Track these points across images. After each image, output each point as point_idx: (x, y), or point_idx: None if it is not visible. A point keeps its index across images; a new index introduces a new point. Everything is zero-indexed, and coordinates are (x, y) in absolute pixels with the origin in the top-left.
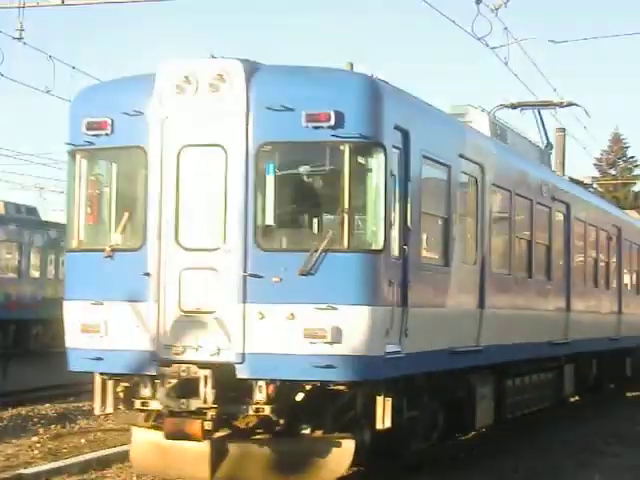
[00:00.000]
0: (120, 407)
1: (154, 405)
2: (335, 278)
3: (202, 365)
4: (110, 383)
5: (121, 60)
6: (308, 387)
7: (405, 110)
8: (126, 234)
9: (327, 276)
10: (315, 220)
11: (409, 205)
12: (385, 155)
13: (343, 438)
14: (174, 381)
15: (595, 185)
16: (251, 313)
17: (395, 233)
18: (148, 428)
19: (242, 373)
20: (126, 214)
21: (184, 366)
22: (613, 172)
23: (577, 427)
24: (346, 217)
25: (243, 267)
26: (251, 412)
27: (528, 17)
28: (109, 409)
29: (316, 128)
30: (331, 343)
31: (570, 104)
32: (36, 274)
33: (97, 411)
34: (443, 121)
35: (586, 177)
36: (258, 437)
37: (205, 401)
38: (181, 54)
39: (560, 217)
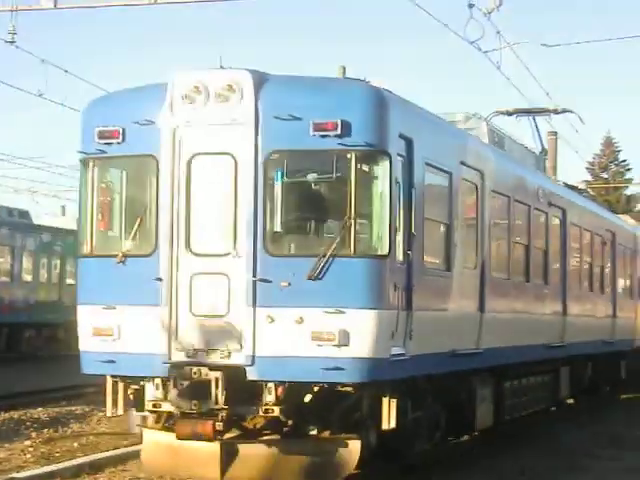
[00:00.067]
0: (131, 409)
1: (165, 407)
2: (342, 283)
3: (213, 367)
4: (121, 385)
5: (113, 62)
6: (316, 389)
7: (409, 119)
8: (138, 240)
9: (335, 281)
10: (322, 226)
11: (413, 211)
12: (390, 163)
13: (349, 438)
14: (186, 383)
15: (586, 188)
16: (261, 317)
17: (400, 239)
18: (159, 429)
19: (252, 375)
20: (138, 221)
21: (195, 368)
22: (605, 176)
23: (572, 430)
24: (352, 223)
25: (253, 272)
26: (261, 413)
27: (521, 21)
28: (120, 411)
29: (323, 137)
30: (339, 346)
31: (565, 111)
32: (28, 278)
33: (108, 413)
34: (445, 129)
35: (579, 182)
36: (267, 438)
37: (216, 402)
38: (170, 55)
39: (556, 222)
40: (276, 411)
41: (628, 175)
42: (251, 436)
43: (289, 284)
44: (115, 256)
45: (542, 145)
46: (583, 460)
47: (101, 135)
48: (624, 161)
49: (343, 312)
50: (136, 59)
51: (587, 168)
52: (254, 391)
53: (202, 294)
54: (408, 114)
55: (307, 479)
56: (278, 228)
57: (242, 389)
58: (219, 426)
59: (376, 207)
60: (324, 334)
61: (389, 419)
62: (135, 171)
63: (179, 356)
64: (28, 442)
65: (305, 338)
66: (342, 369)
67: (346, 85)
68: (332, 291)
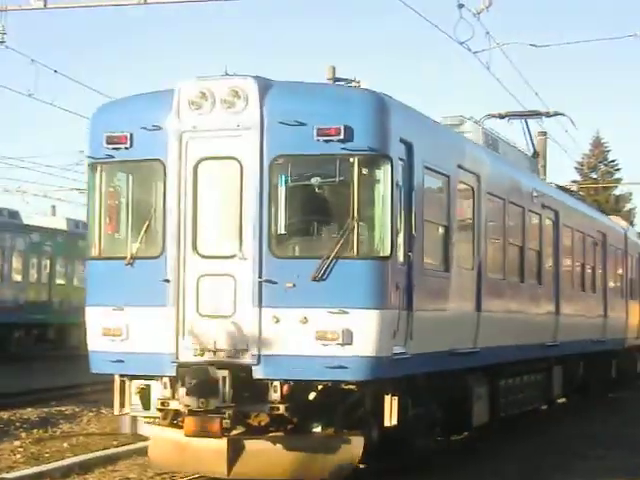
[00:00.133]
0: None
1: (173, 405)
2: (346, 283)
3: (220, 366)
4: (129, 384)
5: (105, 62)
6: (320, 387)
7: (409, 124)
8: (146, 243)
9: (338, 282)
10: (326, 228)
11: (413, 214)
12: (391, 167)
13: (353, 435)
14: (194, 382)
15: (578, 190)
16: (266, 317)
17: (400, 240)
18: (165, 427)
19: (258, 374)
20: (145, 224)
21: (203, 367)
22: (594, 176)
23: (563, 429)
24: (355, 225)
25: (258, 273)
26: (266, 411)
27: (510, 22)
28: (127, 410)
29: (327, 142)
30: (342, 345)
31: (557, 114)
32: (18, 278)
33: (116, 412)
34: (443, 133)
35: (569, 184)
36: (272, 434)
37: (224, 400)
38: (164, 54)
39: (549, 224)
40: (281, 409)
41: (617, 175)
42: (256, 433)
43: (294, 285)
44: (123, 258)
45: (534, 147)
46: (571, 460)
47: (109, 140)
48: (613, 161)
49: (347, 312)
50: (129, 59)
51: (576, 168)
52: (260, 389)
53: (209, 295)
54: (408, 119)
55: (312, 475)
56: (283, 230)
57: (248, 387)
58: (226, 423)
59: (378, 210)
60: (328, 333)
61: (391, 416)
62: (142, 175)
63: (187, 355)
64: (17, 442)
65: (309, 337)
66: (346, 367)
67: (349, 92)
68: (336, 292)
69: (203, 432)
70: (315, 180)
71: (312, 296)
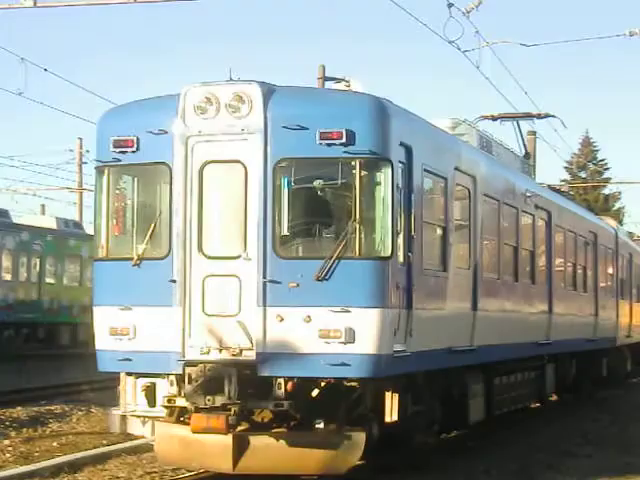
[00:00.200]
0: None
1: (180, 402)
2: (348, 283)
3: (226, 364)
4: (136, 382)
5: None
6: (323, 384)
7: (408, 127)
8: (152, 244)
9: (341, 281)
10: (328, 230)
11: (412, 215)
12: (392, 170)
13: (354, 431)
14: (200, 379)
15: (565, 188)
16: (270, 316)
17: (400, 241)
18: (171, 423)
19: (263, 371)
20: (152, 226)
21: (209, 365)
22: (583, 175)
23: (554, 426)
24: (357, 227)
25: (263, 273)
26: (271, 407)
27: (500, 21)
28: (133, 407)
29: (329, 145)
30: (345, 343)
31: (548, 115)
32: (7, 277)
33: (122, 409)
34: (440, 137)
35: (559, 183)
36: (276, 430)
37: (229, 397)
38: (158, 55)
39: (542, 224)
40: (286, 405)
41: (606, 174)
42: (260, 429)
43: (297, 285)
44: (130, 259)
45: (526, 149)
46: (560, 458)
47: (116, 144)
48: (602, 160)
49: (349, 311)
50: (120, 58)
51: (565, 167)
52: (265, 386)
53: (214, 295)
54: (407, 123)
55: (315, 470)
56: (286, 232)
57: (253, 384)
58: (232, 420)
59: (379, 211)
60: (331, 332)
61: (391, 412)
62: (149, 178)
63: (193, 354)
64: (7, 442)
65: (313, 336)
66: (348, 365)
67: (350, 96)
68: (338, 291)
69: (210, 429)
70: (318, 182)
71: (315, 295)
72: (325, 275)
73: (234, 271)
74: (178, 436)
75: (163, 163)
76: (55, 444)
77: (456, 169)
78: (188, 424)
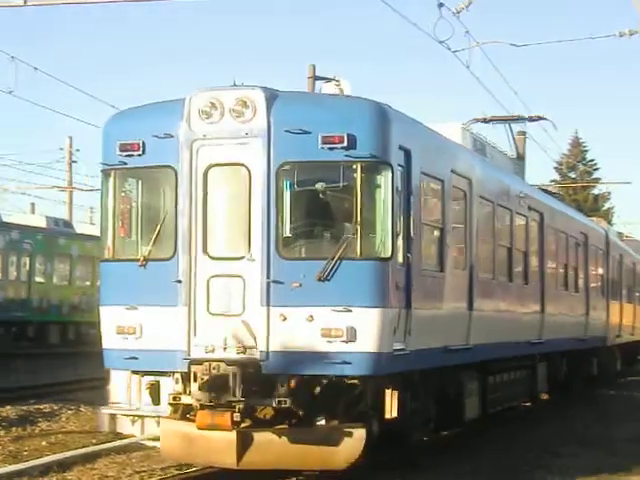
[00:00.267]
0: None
1: (185, 400)
2: (349, 283)
3: (230, 362)
4: (142, 380)
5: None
6: (324, 381)
7: (407, 132)
8: (158, 245)
9: (342, 281)
10: (330, 231)
11: (411, 217)
12: (392, 173)
13: (355, 428)
14: (205, 377)
15: (554, 189)
16: (274, 315)
17: (400, 242)
18: (176, 420)
19: (266, 369)
20: (158, 227)
21: (214, 364)
22: (573, 175)
23: (543, 426)
24: (358, 228)
25: (266, 274)
26: (274, 404)
27: (490, 22)
28: (137, 404)
29: (331, 149)
30: (346, 342)
31: (539, 118)
32: None
33: (127, 408)
34: (438, 140)
35: (549, 183)
36: (279, 427)
37: (234, 395)
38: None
39: (535, 225)
40: (288, 402)
41: (596, 174)
42: (262, 425)
43: (300, 285)
44: (136, 260)
45: (517, 151)
46: (548, 458)
47: (122, 148)
48: (592, 161)
49: (350, 310)
50: (112, 57)
51: (555, 167)
52: (268, 384)
53: (219, 295)
54: (406, 127)
55: (317, 465)
56: (289, 233)
57: (257, 382)
58: (237, 417)
59: (379, 213)
60: (333, 331)
61: (391, 409)
62: (154, 181)
63: (198, 352)
64: None
65: (315, 335)
66: (350, 363)
67: (352, 101)
68: (340, 291)
69: (215, 425)
70: (320, 185)
71: (317, 295)
72: (327, 275)
73: (238, 272)
74: (183, 433)
75: (169, 166)
76: (44, 443)
77: (452, 172)
78: (193, 421)
